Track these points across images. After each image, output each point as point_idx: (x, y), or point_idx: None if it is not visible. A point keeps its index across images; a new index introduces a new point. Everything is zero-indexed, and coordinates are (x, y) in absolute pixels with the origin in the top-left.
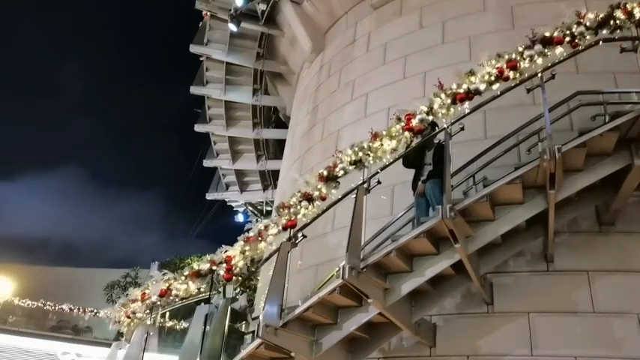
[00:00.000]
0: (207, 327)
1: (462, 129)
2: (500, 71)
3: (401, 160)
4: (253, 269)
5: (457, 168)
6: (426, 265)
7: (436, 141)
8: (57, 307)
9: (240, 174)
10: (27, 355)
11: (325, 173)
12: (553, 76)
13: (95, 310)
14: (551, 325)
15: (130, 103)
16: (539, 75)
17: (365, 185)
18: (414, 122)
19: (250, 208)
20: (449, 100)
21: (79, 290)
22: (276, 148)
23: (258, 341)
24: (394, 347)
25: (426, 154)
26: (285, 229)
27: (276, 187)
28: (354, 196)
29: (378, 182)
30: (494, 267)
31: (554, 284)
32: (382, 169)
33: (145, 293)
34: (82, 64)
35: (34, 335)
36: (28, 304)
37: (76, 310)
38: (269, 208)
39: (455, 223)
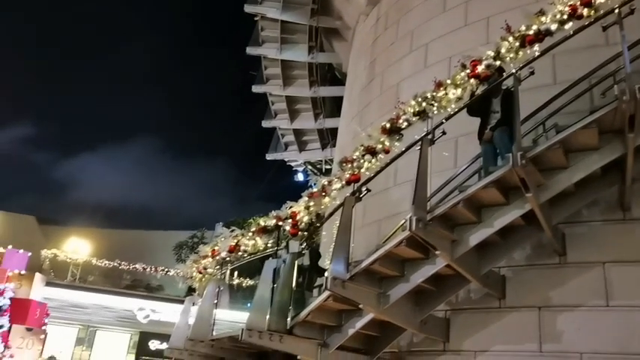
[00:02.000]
0: (276, 282)
1: (532, 73)
2: (574, 9)
3: (465, 110)
4: (318, 224)
5: (525, 116)
6: (494, 215)
7: (504, 87)
8: (131, 267)
9: (298, 133)
10: (106, 310)
11: (388, 125)
12: (632, 12)
13: (166, 269)
14: (628, 275)
15: (194, 70)
16: (617, 11)
17: (429, 136)
18: (480, 68)
19: (310, 167)
20: (517, 44)
21: (151, 251)
22: (334, 106)
23: (326, 294)
24: (462, 299)
25: (492, 102)
26: (348, 183)
27: (334, 146)
28: (418, 148)
29: (443, 133)
30: (567, 217)
31: (630, 233)
32: (447, 118)
33: (214, 250)
34: (150, 37)
35: (112, 292)
36: (105, 264)
37: (148, 269)
38: (328, 167)
39: (526, 171)
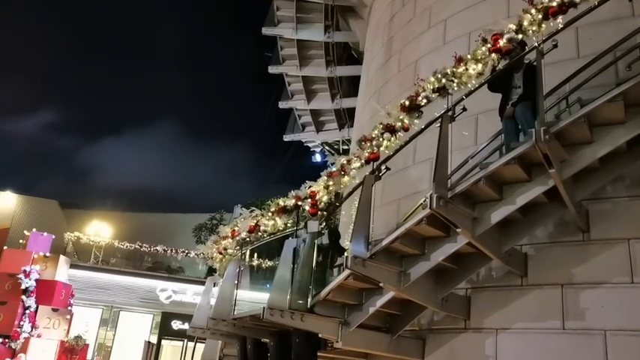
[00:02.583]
0: (296, 262)
1: (556, 46)
2: None
3: (486, 86)
4: (337, 204)
5: (547, 91)
6: (517, 192)
7: (525, 61)
8: (152, 249)
9: (315, 114)
10: (129, 291)
11: (407, 103)
12: None
13: (186, 251)
14: None
15: (212, 55)
16: None
17: (450, 113)
18: (502, 42)
19: (327, 147)
20: (540, 16)
21: (171, 234)
22: (351, 86)
23: (347, 272)
24: (483, 278)
25: (514, 77)
26: (367, 162)
27: (352, 126)
28: (438, 125)
29: (464, 109)
30: (591, 193)
31: None
32: (467, 95)
33: (234, 230)
34: (170, 23)
35: (134, 274)
36: (127, 246)
37: (169, 251)
38: (346, 147)
39: (550, 146)
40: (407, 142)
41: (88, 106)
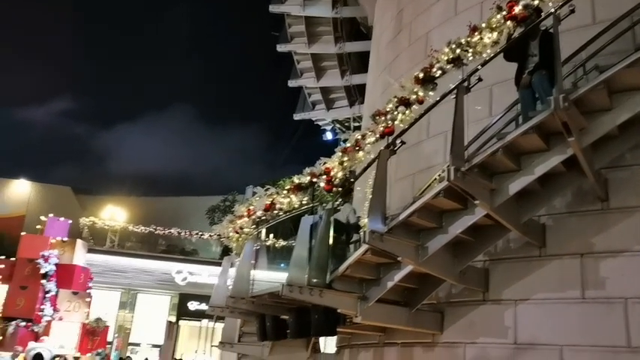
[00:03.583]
0: (313, 238)
1: (573, 11)
2: None
3: (501, 56)
4: (352, 179)
5: (563, 59)
6: (535, 162)
7: (542, 28)
8: (166, 232)
9: (325, 91)
10: (145, 274)
11: (421, 75)
12: None
13: (201, 233)
14: None
15: (222, 38)
16: None
17: (465, 84)
18: (518, 9)
19: (338, 125)
20: None
21: (184, 217)
22: (360, 62)
23: (364, 247)
24: (501, 249)
25: (530, 45)
26: (382, 136)
27: (362, 102)
28: (454, 97)
29: (479, 80)
30: (610, 161)
31: None
32: (483, 64)
33: (250, 209)
34: (182, 7)
35: (150, 257)
36: (142, 230)
37: (183, 234)
38: (357, 124)
39: (569, 114)
40: (422, 114)
41: (104, 93)
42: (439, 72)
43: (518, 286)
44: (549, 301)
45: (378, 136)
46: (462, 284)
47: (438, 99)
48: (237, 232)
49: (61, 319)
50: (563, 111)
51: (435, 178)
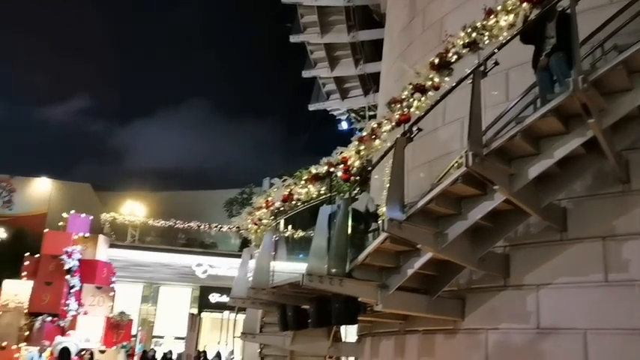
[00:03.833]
0: (332, 228)
1: None
2: None
3: (518, 38)
4: (369, 168)
5: (581, 40)
6: (554, 146)
7: (558, 9)
8: (186, 225)
9: (339, 81)
10: (166, 268)
11: (437, 61)
12: None
13: (220, 226)
14: None
15: (235, 31)
16: None
17: (481, 68)
18: None
19: (353, 114)
20: None
21: (202, 210)
22: (374, 50)
23: (383, 235)
24: (521, 234)
25: (547, 27)
26: (398, 124)
27: (377, 91)
28: (470, 82)
29: (496, 63)
30: (630, 142)
31: None
32: (500, 47)
33: (268, 200)
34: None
35: (171, 251)
36: (161, 224)
37: (202, 227)
38: (372, 113)
39: (588, 95)
40: (439, 100)
41: (121, 90)
42: (455, 57)
43: (539, 270)
44: (572, 285)
45: (394, 124)
46: (482, 270)
47: (454, 84)
48: (256, 224)
49: (85, 313)
50: (583, 92)
51: (453, 165)
